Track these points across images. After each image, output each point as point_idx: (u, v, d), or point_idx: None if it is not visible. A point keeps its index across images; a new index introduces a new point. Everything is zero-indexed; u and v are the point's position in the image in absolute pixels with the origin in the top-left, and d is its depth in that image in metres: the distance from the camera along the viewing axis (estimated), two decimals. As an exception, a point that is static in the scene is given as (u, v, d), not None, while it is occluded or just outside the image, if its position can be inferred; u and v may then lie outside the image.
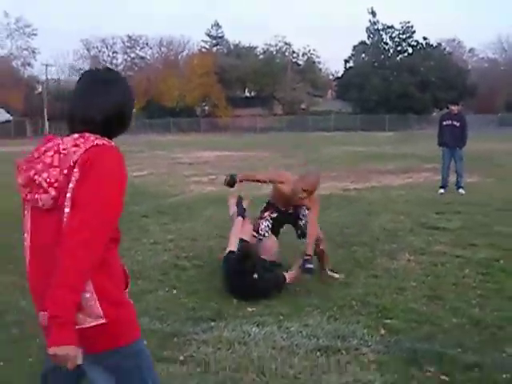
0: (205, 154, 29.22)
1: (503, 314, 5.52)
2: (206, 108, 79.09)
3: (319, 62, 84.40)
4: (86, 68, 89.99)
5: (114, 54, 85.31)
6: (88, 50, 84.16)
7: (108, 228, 2.34)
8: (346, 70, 79.19)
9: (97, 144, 2.38)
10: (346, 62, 79.73)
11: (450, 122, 13.86)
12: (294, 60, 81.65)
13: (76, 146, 2.39)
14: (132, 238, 9.17)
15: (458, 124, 13.77)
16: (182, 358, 4.63)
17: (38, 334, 5.16)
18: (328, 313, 5.63)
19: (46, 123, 68.19)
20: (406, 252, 8.02)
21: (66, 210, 2.33)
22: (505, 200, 12.33)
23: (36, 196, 2.40)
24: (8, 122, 66.58)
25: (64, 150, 2.40)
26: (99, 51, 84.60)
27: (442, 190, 13.86)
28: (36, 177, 2.39)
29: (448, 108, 14.61)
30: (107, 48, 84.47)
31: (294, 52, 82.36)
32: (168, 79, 72.49)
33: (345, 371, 4.35)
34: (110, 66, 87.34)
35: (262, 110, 77.99)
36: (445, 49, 79.16)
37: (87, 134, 2.43)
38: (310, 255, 6.38)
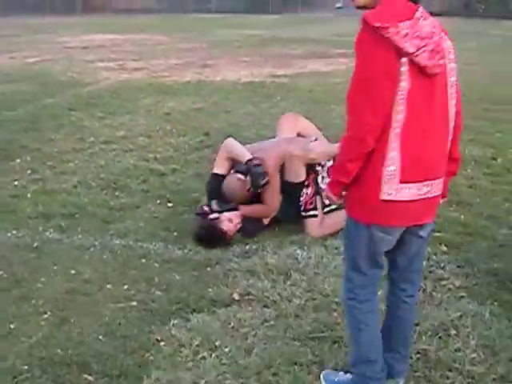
0: (96, 37, 26.84)
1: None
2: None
3: None
4: None
5: None
6: None
7: None
8: None
9: None
10: None
11: None
12: None
13: None
14: (76, 138, 7.92)
15: None
16: (236, 296, 3.75)
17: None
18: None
19: None
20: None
21: None
22: None
23: None
24: None
25: None
26: None
27: None
28: None
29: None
30: None
31: None
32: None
33: (440, 303, 3.64)
34: None
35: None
36: None
37: None
38: None
